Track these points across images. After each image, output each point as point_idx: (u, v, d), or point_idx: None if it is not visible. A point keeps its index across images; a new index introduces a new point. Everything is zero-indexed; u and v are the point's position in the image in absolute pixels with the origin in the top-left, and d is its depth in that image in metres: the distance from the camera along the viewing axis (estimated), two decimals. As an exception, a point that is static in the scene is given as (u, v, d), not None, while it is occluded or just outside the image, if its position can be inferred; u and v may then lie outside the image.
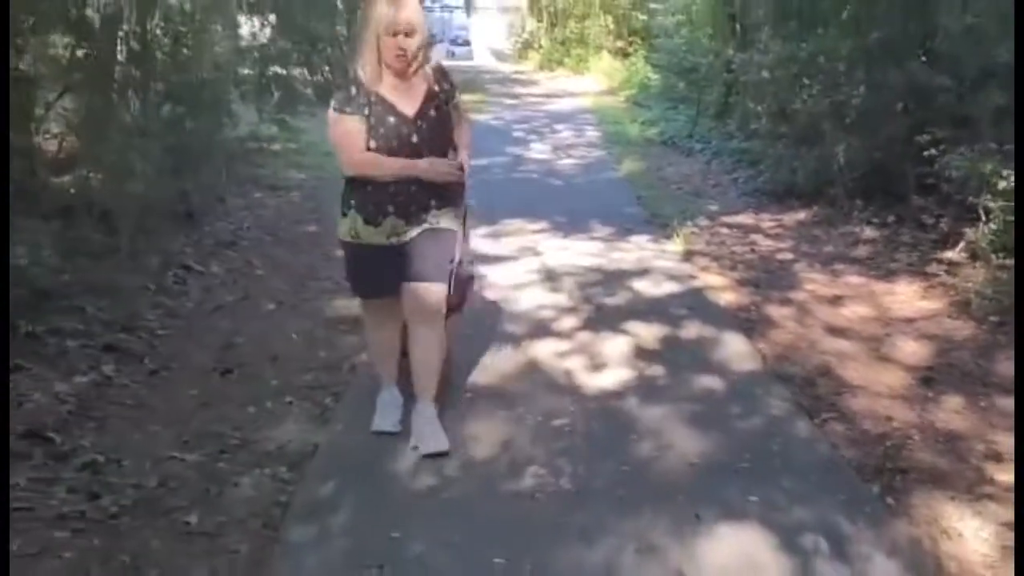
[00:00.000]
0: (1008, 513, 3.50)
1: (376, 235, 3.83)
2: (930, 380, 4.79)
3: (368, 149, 3.74)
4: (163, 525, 3.42)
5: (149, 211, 6.62)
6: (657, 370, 4.92)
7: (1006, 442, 4.05)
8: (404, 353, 4.17)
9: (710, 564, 3.18)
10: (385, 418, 4.10)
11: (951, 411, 4.42)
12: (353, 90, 3.74)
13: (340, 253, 4.18)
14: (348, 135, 3.77)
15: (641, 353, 5.16)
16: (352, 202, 3.84)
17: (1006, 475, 3.78)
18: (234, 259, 6.95)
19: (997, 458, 3.94)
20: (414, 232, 3.85)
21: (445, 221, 3.90)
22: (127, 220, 6.19)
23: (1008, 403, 4.41)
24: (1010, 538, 3.32)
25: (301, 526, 3.41)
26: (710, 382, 4.78)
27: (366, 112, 3.71)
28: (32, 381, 4.28)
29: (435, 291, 3.91)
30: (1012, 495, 3.63)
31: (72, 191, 6.06)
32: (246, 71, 10.55)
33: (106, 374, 4.57)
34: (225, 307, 5.94)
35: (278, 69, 10.80)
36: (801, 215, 8.64)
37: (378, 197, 3.79)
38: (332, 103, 3.79)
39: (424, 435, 3.93)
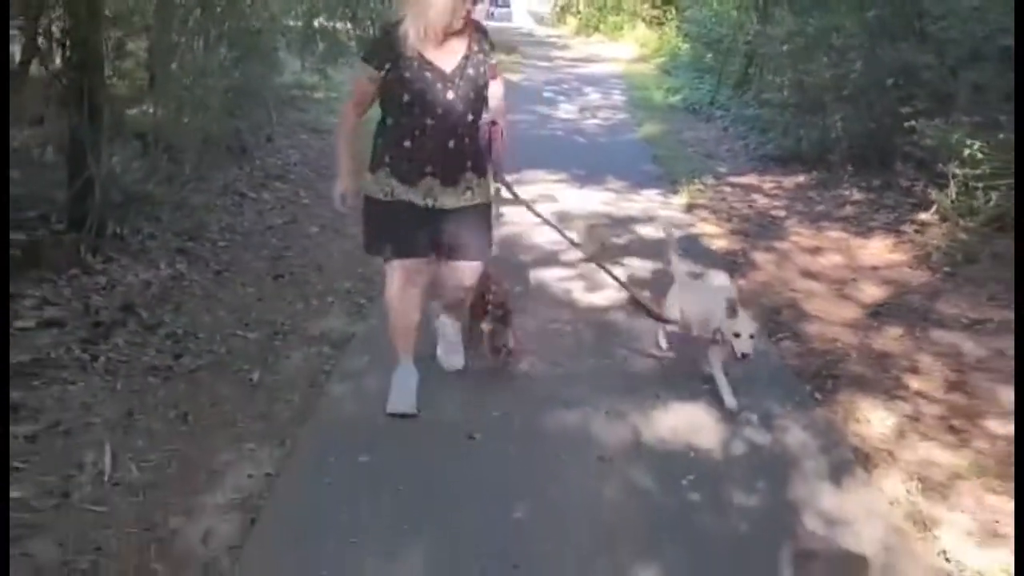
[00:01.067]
0: (911, 409, 4.37)
1: (411, 194, 3.78)
2: (878, 314, 5.64)
3: (402, 103, 3.68)
4: (232, 380, 4.35)
5: (208, 144, 7.53)
6: (644, 295, 5.79)
7: (927, 360, 4.91)
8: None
9: (662, 427, 4.09)
10: (402, 398, 4.02)
11: (889, 338, 5.27)
12: (382, 44, 3.72)
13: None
14: (357, 85, 3.87)
15: (633, 281, 6.03)
16: (387, 158, 3.78)
17: (918, 383, 4.64)
18: (283, 190, 7.89)
19: (915, 371, 4.79)
20: (451, 201, 3.84)
21: (482, 194, 3.96)
22: (191, 150, 7.11)
23: (940, 335, 5.27)
24: (908, 426, 4.20)
25: (340, 385, 4.33)
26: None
27: (398, 68, 3.64)
28: (122, 270, 5.23)
29: (477, 268, 4.10)
30: (920, 398, 4.50)
31: (144, 122, 6.96)
32: (293, 22, 11.41)
33: (179, 270, 5.52)
34: (275, 227, 6.87)
35: (323, 21, 11.65)
36: (800, 178, 9.45)
37: (416, 156, 3.74)
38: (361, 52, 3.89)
39: (448, 351, 4.44)
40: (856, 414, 4.32)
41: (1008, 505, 3.53)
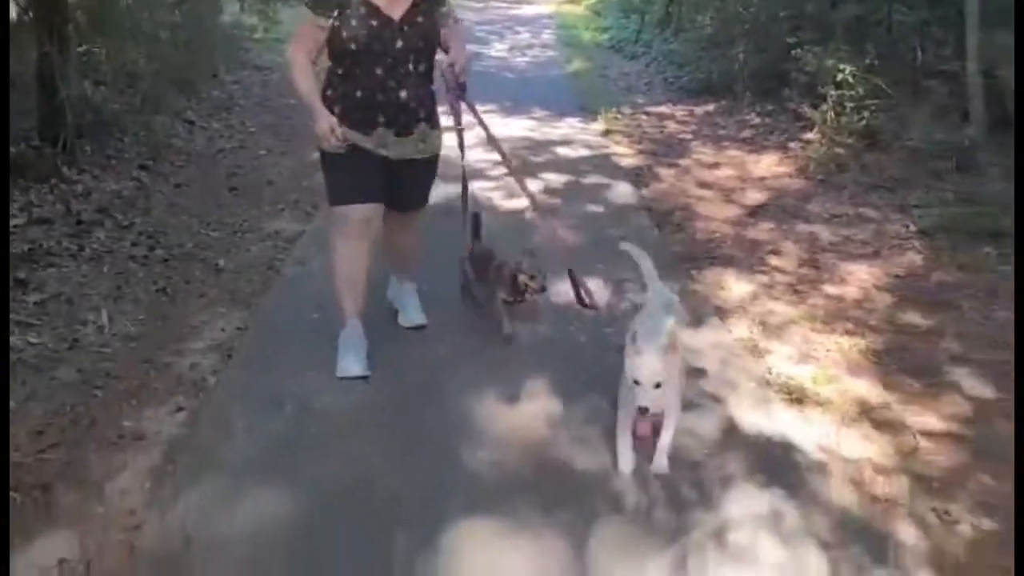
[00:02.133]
0: (767, 279, 5.38)
1: (365, 141, 3.76)
2: (755, 213, 6.66)
3: (350, 53, 3.64)
4: (201, 266, 5.22)
5: (159, 77, 8.30)
6: (557, 200, 6.76)
7: (788, 245, 5.93)
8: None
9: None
10: (352, 361, 3.92)
11: (761, 230, 6.29)
12: None
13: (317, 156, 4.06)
14: (300, 32, 3.77)
15: (549, 191, 7.00)
16: (337, 110, 3.71)
17: (776, 261, 5.66)
18: (230, 119, 8.70)
19: (777, 253, 5.81)
20: (406, 151, 3.85)
21: (434, 145, 3.97)
22: (144, 81, 7.89)
23: (803, 227, 6.28)
24: (761, 291, 5.21)
25: (292, 268, 5.24)
26: (595, 209, 6.64)
27: (345, 15, 3.61)
28: (94, 181, 6.06)
29: (420, 214, 4.26)
30: (776, 272, 5.52)
31: (103, 53, 7.72)
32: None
33: (144, 183, 6.35)
34: (226, 151, 7.71)
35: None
36: (710, 107, 10.45)
37: (367, 106, 3.72)
38: None
39: (408, 308, 4.35)
40: (722, 284, 5.31)
41: (826, 340, 4.55)
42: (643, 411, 3.06)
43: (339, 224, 3.92)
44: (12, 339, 3.87)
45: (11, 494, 2.93)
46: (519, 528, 2.92)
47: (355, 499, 3.11)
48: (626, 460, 3.27)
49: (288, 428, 3.51)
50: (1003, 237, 5.41)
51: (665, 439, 3.30)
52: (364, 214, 3.86)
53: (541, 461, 3.41)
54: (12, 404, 3.42)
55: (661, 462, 3.28)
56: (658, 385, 3.05)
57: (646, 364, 3.07)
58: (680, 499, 3.20)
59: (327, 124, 3.66)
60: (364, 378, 3.87)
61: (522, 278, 4.17)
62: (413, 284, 4.41)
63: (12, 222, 5.13)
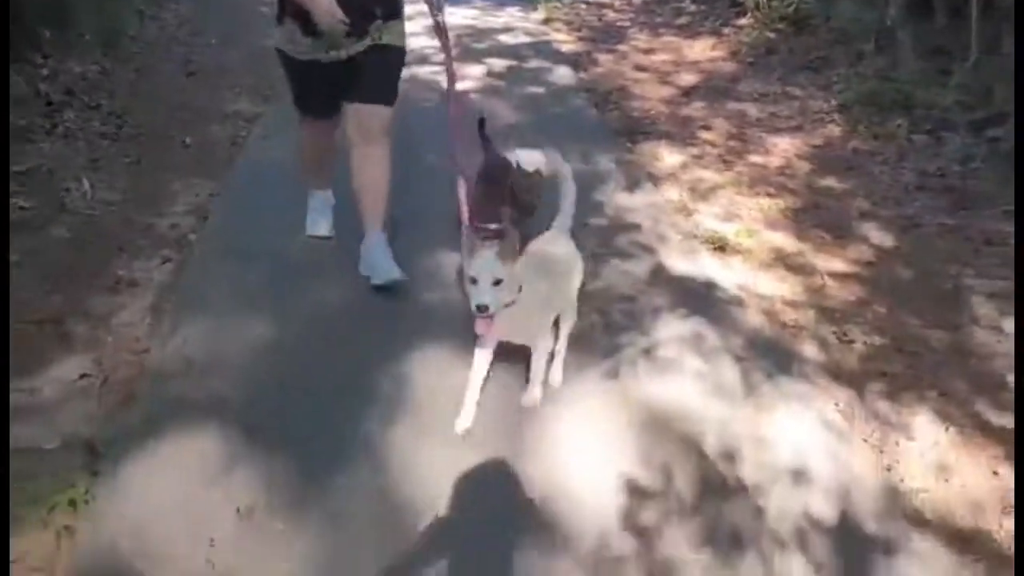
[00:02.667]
0: (698, 151, 5.86)
1: (315, 47, 3.61)
2: (689, 93, 7.10)
3: None
4: (169, 143, 5.54)
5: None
6: (501, 83, 7.14)
7: (719, 121, 6.40)
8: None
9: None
10: (318, 224, 4.24)
11: (694, 108, 6.75)
12: None
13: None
14: None
15: (492, 75, 7.36)
16: (289, 9, 3.57)
17: (707, 135, 6.13)
18: (180, 10, 8.87)
19: (708, 128, 6.28)
20: (358, 47, 3.64)
21: (392, 36, 3.71)
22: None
23: (733, 105, 6.75)
24: (692, 161, 5.69)
25: (254, 144, 5.59)
26: (536, 90, 7.03)
27: None
28: (57, 64, 6.27)
29: (383, 114, 3.76)
30: (707, 144, 6.00)
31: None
32: None
33: (105, 67, 6.59)
34: (179, 39, 7.92)
35: None
36: (648, -4, 10.81)
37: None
38: None
39: (377, 266, 3.80)
40: (656, 155, 5.78)
41: (748, 201, 5.05)
42: (482, 309, 2.79)
43: (303, 123, 4.04)
44: (2, 205, 4.21)
45: (27, 326, 3.34)
46: (465, 352, 3.30)
47: (325, 327, 3.57)
48: (465, 415, 3.01)
49: (264, 275, 3.93)
50: (914, 109, 5.92)
51: (535, 368, 3.11)
52: (323, 125, 3.99)
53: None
54: (14, 257, 3.78)
55: (533, 394, 3.12)
56: (497, 282, 2.79)
57: (481, 258, 2.82)
58: (614, 325, 3.69)
59: (326, 6, 3.47)
60: (329, 238, 4.23)
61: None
62: (384, 234, 3.91)
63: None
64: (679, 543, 2.57)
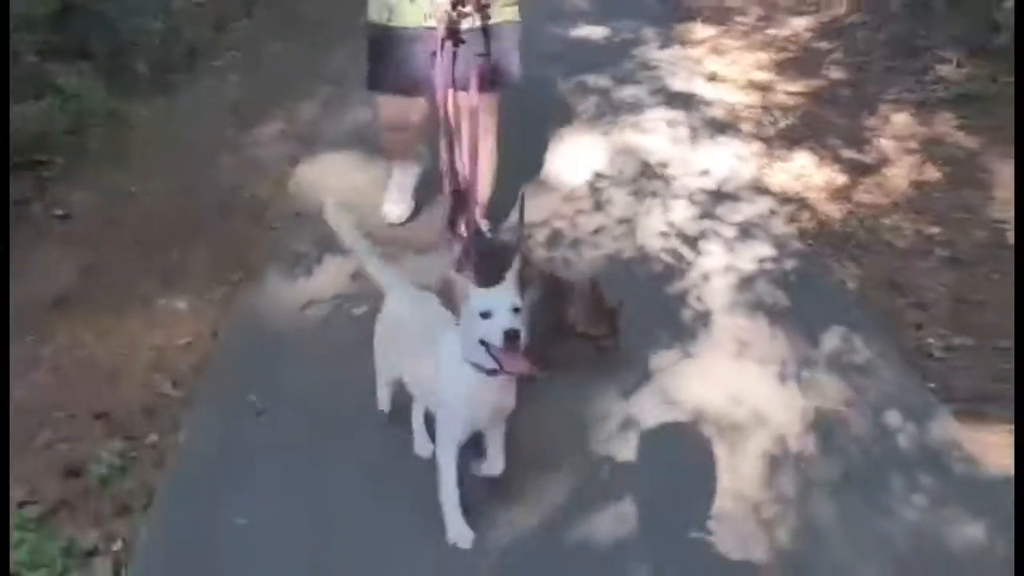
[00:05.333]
0: (726, 28, 7.78)
1: (412, 13, 3.34)
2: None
3: None
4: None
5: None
6: None
7: (754, 8, 8.27)
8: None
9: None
10: (393, 205, 4.08)
11: (736, 1, 8.62)
12: None
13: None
14: None
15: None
16: None
17: (742, 19, 8.02)
18: None
19: (744, 14, 8.15)
20: (467, 21, 3.19)
21: (509, 10, 3.40)
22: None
23: (772, -1, 8.59)
24: (716, 36, 7.62)
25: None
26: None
27: None
28: None
29: (497, 102, 3.52)
30: (739, 25, 7.90)
31: None
32: None
33: None
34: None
35: None
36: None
37: None
38: None
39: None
40: (692, 30, 7.70)
41: (750, 56, 6.96)
42: (514, 335, 2.16)
43: (379, 103, 3.94)
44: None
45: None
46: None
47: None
48: (460, 530, 2.43)
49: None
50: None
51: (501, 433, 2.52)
52: (401, 103, 3.74)
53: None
54: None
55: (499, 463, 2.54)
56: (516, 309, 2.21)
57: (494, 290, 2.29)
58: (613, 105, 5.73)
59: None
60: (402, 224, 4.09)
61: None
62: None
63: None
64: (623, 204, 4.58)
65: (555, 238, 4.11)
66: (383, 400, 2.83)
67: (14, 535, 2.46)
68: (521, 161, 4.53)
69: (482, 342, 2.22)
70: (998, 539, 2.47)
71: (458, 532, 2.40)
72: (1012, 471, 2.62)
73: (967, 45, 6.14)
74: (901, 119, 5.47)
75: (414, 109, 3.67)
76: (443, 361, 2.34)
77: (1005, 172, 4.65)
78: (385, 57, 3.53)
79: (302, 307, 3.60)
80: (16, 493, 2.69)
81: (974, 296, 3.70)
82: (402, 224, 4.10)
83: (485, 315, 2.20)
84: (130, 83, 5.75)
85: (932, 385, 3.16)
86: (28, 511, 2.63)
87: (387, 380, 2.75)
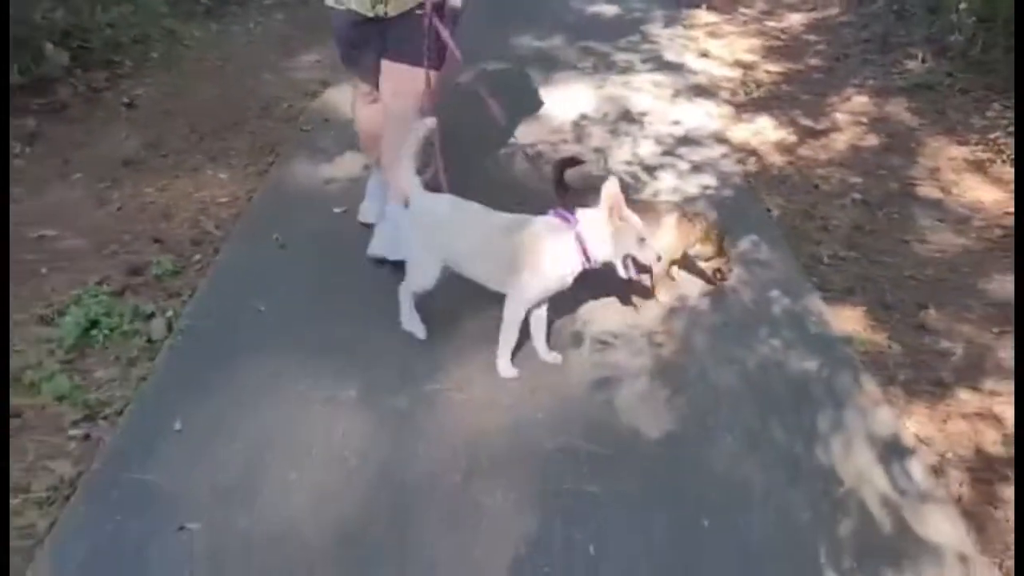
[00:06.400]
0: (729, 16, 8.66)
1: (361, 3, 3.56)
2: (749, -13, 9.83)
3: None
4: None
5: None
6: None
7: (760, 3, 9.15)
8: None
9: None
10: (369, 209, 4.17)
11: (747, -4, 9.48)
12: None
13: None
14: None
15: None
16: None
17: (748, 10, 8.90)
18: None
19: (750, 6, 9.02)
20: (400, 5, 3.57)
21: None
22: None
23: (778, -4, 9.46)
24: (718, 23, 8.49)
25: None
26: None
27: None
28: None
29: (415, 74, 3.66)
30: (743, 17, 8.78)
31: None
32: None
33: None
34: None
35: None
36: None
37: None
38: None
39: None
40: (697, 16, 8.56)
41: (743, 41, 7.84)
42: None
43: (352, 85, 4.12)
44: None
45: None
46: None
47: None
48: (508, 367, 3.27)
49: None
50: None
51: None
52: (362, 88, 4.01)
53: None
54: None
55: (506, 369, 3.26)
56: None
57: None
58: (608, 66, 6.62)
59: None
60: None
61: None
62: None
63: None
64: (600, 138, 5.47)
65: (537, 156, 4.97)
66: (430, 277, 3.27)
67: (90, 305, 3.38)
68: (519, 102, 5.50)
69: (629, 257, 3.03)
70: (825, 369, 3.37)
71: (506, 368, 3.22)
72: (853, 333, 3.53)
73: (934, 44, 6.96)
74: (859, 100, 6.30)
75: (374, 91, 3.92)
76: (547, 252, 3.04)
77: (933, 144, 5.48)
78: (344, 40, 3.81)
79: (324, 182, 4.51)
80: (91, 278, 3.61)
81: (869, 227, 4.54)
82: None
83: (641, 240, 2.98)
84: (189, 10, 6.68)
85: (814, 279, 4.01)
86: (103, 288, 3.54)
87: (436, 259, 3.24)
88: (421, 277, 3.25)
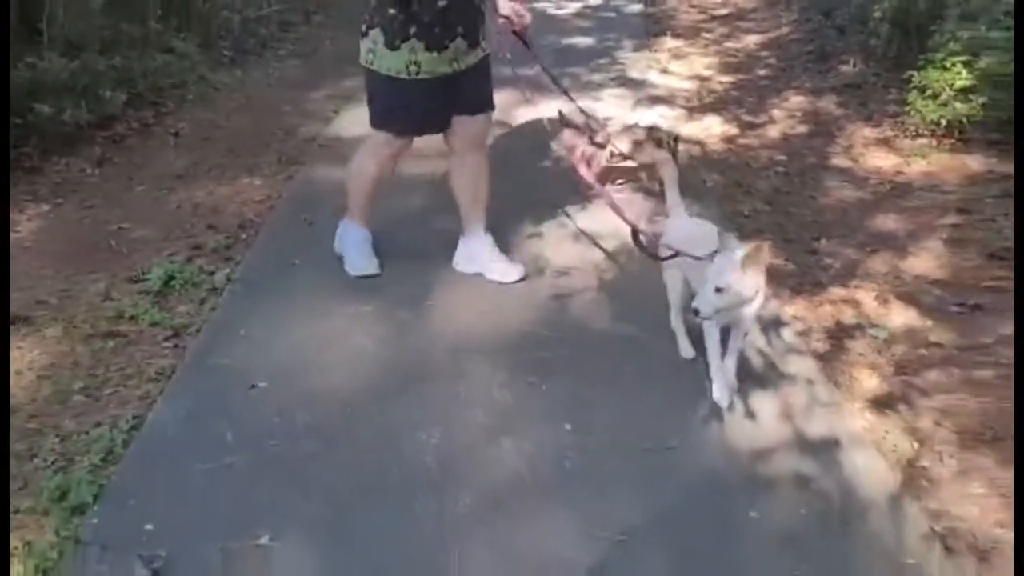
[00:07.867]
0: (693, 41, 9.85)
1: (440, 63, 3.70)
2: (715, 19, 11.04)
3: None
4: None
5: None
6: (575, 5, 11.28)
7: (721, 28, 10.35)
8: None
9: None
10: (366, 260, 4.35)
11: (710, 25, 10.69)
12: None
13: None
14: None
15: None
16: (412, 30, 3.63)
17: (710, 35, 10.11)
18: None
19: (711, 32, 10.22)
20: (472, 59, 3.82)
21: (488, 44, 3.92)
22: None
23: (738, 23, 10.67)
24: (682, 47, 9.69)
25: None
26: (608, 14, 11.14)
27: None
28: None
29: (490, 120, 4.07)
30: (705, 40, 9.97)
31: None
32: None
33: None
34: None
35: None
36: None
37: (445, 18, 3.64)
38: None
39: (497, 269, 4.28)
40: (663, 43, 9.75)
41: (704, 60, 9.02)
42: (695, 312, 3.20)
43: (376, 141, 4.15)
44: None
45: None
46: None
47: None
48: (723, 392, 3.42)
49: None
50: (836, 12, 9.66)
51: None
52: (407, 143, 4.13)
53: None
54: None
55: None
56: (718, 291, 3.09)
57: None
58: (578, 84, 7.78)
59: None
60: (379, 274, 4.40)
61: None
62: (490, 235, 4.36)
63: None
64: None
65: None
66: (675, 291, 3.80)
67: (166, 266, 4.48)
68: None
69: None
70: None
71: (720, 392, 3.42)
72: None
73: (864, 51, 8.12)
74: (796, 99, 7.43)
75: (409, 145, 4.18)
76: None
77: (851, 128, 6.60)
78: (420, 108, 3.93)
79: (339, 182, 5.63)
80: (164, 252, 4.76)
81: (786, 189, 5.64)
82: (379, 275, 4.43)
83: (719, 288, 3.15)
84: (217, 59, 7.94)
85: (734, 227, 5.10)
86: (175, 257, 4.68)
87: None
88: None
